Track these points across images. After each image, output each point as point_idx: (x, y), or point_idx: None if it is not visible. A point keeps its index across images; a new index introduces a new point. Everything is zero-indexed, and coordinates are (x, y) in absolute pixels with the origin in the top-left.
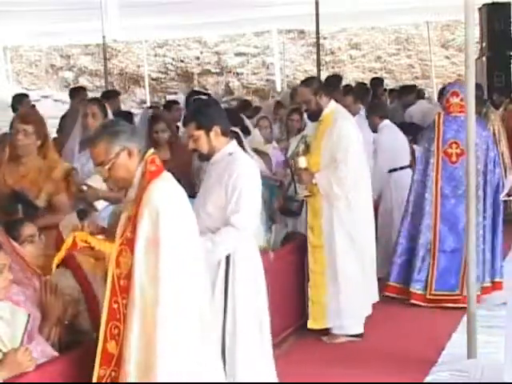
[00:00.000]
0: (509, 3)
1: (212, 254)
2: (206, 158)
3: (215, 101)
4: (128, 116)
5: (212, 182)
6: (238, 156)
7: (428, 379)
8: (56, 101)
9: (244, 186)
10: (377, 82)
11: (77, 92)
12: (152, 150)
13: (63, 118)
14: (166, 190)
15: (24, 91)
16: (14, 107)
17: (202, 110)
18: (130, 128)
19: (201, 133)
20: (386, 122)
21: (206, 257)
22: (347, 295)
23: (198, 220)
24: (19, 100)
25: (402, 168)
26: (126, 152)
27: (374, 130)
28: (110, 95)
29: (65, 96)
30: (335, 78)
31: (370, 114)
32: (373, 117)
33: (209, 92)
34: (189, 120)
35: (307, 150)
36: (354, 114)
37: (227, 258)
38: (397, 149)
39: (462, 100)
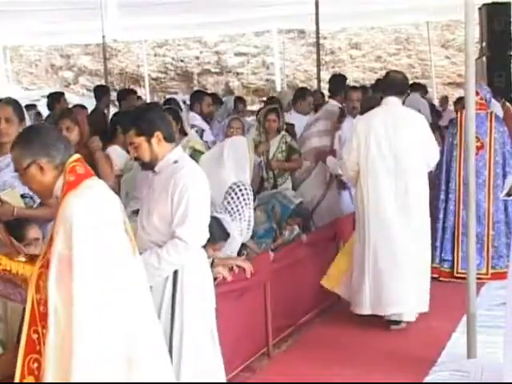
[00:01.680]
0: (509, 3)
1: (158, 270)
2: (148, 166)
3: (156, 104)
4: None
5: (157, 193)
6: (183, 164)
7: (428, 379)
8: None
9: (191, 196)
10: None
11: (102, 92)
12: (75, 156)
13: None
14: (81, 202)
15: (24, 91)
16: (50, 106)
17: (141, 114)
18: (47, 138)
19: (141, 139)
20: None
21: (152, 273)
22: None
23: (143, 234)
24: (57, 98)
25: None
26: (35, 166)
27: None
28: (125, 94)
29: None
30: (340, 78)
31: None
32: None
33: (210, 92)
34: (128, 126)
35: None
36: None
37: (175, 274)
38: None
39: (481, 99)
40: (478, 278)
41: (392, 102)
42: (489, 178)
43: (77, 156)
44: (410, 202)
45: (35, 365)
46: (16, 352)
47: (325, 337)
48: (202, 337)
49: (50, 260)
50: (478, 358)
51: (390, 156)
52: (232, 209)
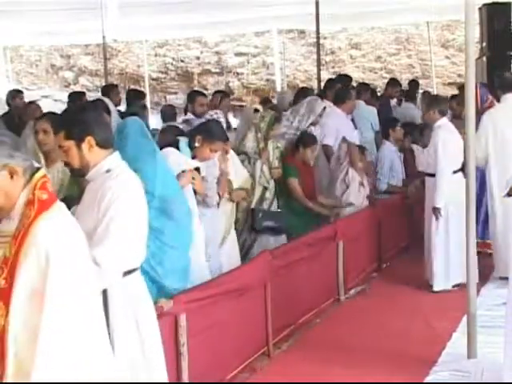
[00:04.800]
0: (509, 3)
1: None
2: (79, 173)
3: (95, 106)
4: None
5: (86, 205)
6: (116, 173)
7: (428, 379)
8: (56, 101)
9: (116, 211)
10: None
11: (110, 90)
12: (42, 171)
13: None
14: (59, 227)
15: (24, 91)
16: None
17: (73, 116)
18: (12, 140)
19: (70, 143)
20: (444, 120)
21: None
22: None
23: None
24: (79, 98)
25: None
26: (6, 171)
27: (431, 125)
28: (136, 96)
29: (65, 96)
30: (345, 78)
31: (429, 108)
32: (432, 111)
33: (208, 92)
34: (58, 128)
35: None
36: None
37: (104, 298)
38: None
39: None
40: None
41: (510, 98)
42: None
43: (43, 171)
44: None
45: None
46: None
47: (325, 337)
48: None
49: (14, 290)
50: (478, 358)
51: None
52: None
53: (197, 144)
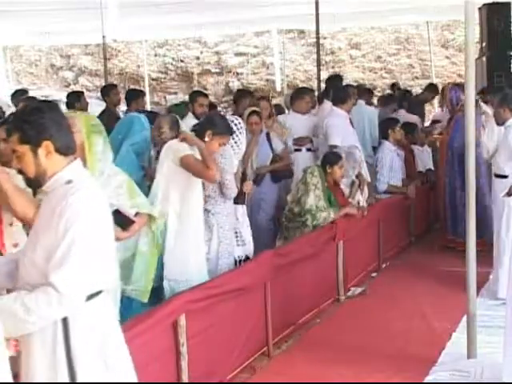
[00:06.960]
0: (509, 3)
1: (24, 323)
2: (34, 183)
3: (54, 105)
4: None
5: (43, 220)
6: (77, 185)
7: (428, 379)
8: (56, 101)
9: (77, 232)
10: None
11: (109, 90)
12: None
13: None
14: None
15: None
16: (69, 105)
17: (29, 117)
18: None
19: (25, 148)
20: None
21: (15, 324)
22: None
23: (23, 271)
24: (77, 97)
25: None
26: None
27: (502, 123)
28: (135, 95)
29: (65, 96)
30: (336, 78)
31: (500, 105)
32: (503, 108)
33: (208, 92)
34: (12, 130)
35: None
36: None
37: (65, 327)
38: None
39: None
40: None
41: None
42: None
43: None
44: None
45: None
46: None
47: (325, 337)
48: None
49: None
50: (478, 358)
51: None
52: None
53: (207, 139)
